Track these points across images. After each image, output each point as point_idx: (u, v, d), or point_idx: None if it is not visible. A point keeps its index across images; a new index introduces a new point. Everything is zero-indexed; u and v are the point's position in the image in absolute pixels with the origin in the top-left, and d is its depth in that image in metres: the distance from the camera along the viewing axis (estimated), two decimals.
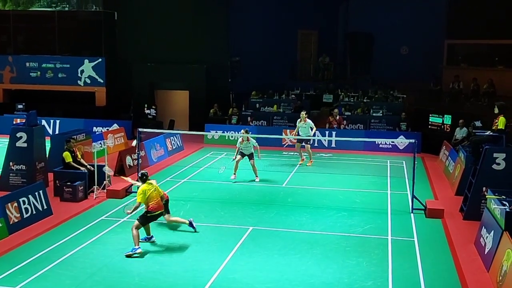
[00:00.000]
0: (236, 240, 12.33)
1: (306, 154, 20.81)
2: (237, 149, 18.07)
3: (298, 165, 20.51)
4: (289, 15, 31.43)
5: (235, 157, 17.95)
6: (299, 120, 20.55)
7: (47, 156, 17.31)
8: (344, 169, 20.10)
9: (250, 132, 18.27)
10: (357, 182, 18.11)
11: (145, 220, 11.85)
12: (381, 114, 25.75)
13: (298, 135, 20.35)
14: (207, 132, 24.07)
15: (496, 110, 14.23)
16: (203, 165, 20.39)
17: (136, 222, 11.71)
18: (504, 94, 24.13)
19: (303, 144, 20.58)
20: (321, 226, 13.58)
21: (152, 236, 12.20)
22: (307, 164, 20.50)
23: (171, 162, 20.82)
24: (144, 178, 12.06)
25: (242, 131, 18.25)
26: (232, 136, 24.46)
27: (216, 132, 24.22)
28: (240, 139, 17.98)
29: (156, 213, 11.87)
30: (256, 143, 18.06)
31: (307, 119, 20.40)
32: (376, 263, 11.24)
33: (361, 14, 33.20)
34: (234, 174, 17.97)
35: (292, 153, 22.87)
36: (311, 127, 20.26)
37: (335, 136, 23.33)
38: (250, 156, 17.97)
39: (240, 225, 13.37)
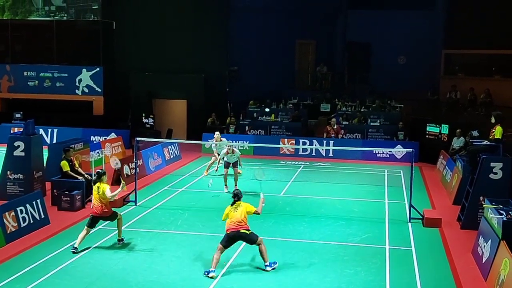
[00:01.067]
0: (234, 250, 12.30)
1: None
2: (217, 159, 17.44)
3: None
4: (287, 25, 31.53)
5: (217, 168, 17.32)
6: (215, 144, 19.55)
7: (44, 165, 17.30)
8: (342, 178, 20.10)
9: (232, 142, 17.70)
10: (355, 191, 18.13)
11: (222, 239, 11.22)
12: (378, 124, 25.80)
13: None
14: (204, 141, 24.06)
15: (493, 120, 14.29)
16: (201, 174, 20.38)
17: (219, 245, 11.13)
18: (501, 103, 24.24)
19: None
20: (319, 235, 13.58)
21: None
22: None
23: (168, 171, 20.82)
24: (95, 179, 12.39)
25: (228, 144, 17.66)
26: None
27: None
28: (224, 150, 17.56)
29: (229, 233, 11.08)
30: (239, 154, 17.78)
31: (223, 139, 19.91)
32: (374, 272, 11.24)
33: (359, 24, 33.30)
34: (226, 186, 17.67)
35: (290, 162, 22.93)
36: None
37: (333, 146, 23.34)
38: (235, 164, 17.69)
39: None
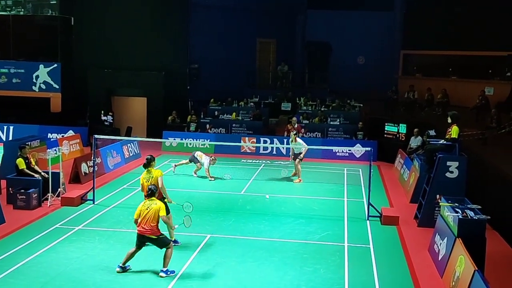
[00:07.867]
0: (194, 248, 12.27)
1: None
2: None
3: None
4: (248, 23, 31.55)
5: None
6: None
7: None
8: (302, 176, 20.19)
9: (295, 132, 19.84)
10: (315, 190, 18.26)
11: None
12: (338, 123, 26.04)
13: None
14: (165, 139, 23.88)
15: (449, 120, 14.54)
16: (171, 170, 20.19)
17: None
18: (457, 103, 24.77)
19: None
20: (279, 233, 13.62)
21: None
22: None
23: (127, 170, 20.58)
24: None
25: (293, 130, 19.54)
26: (190, 144, 24.35)
27: (174, 139, 24.06)
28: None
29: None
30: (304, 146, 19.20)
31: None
32: (333, 270, 11.34)
33: (318, 24, 33.64)
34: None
35: (251, 161, 22.95)
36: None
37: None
38: (297, 156, 19.18)
39: (198, 233, 13.28)
